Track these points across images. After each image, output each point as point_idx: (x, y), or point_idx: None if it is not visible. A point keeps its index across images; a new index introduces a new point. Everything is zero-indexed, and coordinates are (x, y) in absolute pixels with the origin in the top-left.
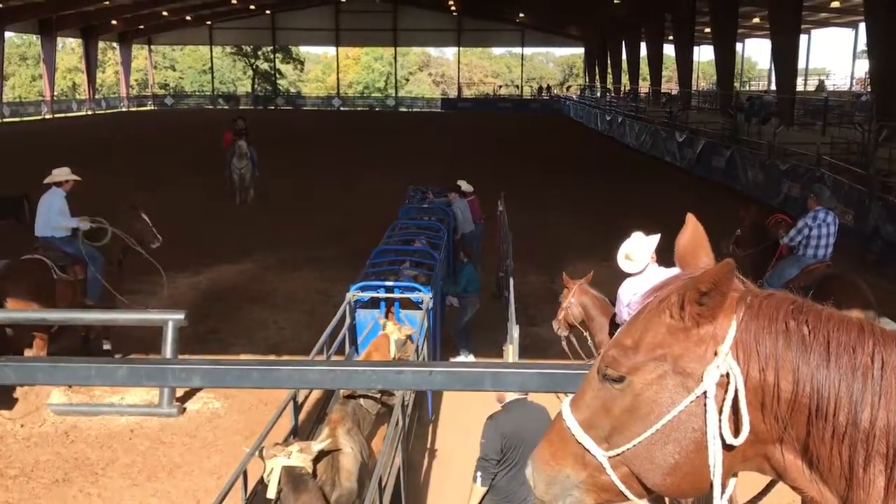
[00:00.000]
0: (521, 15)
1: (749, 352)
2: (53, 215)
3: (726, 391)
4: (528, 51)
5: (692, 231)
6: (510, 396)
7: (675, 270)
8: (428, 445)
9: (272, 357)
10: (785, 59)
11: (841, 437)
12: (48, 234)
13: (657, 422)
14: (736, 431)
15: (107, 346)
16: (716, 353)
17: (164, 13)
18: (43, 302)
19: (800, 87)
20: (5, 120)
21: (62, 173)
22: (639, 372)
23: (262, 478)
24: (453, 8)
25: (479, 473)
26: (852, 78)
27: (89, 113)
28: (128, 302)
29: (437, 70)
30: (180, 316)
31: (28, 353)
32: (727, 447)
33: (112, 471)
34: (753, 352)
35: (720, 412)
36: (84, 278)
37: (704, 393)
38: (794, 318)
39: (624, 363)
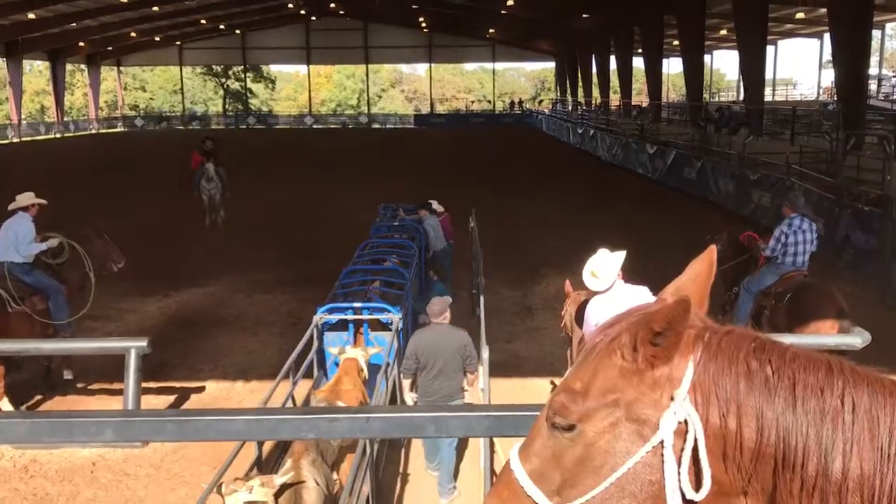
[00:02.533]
0: (492, 30)
1: (708, 396)
2: (22, 242)
3: (685, 440)
4: (500, 66)
5: (706, 267)
6: (434, 318)
7: (642, 289)
8: (400, 469)
9: (240, 383)
10: (752, 69)
11: (811, 490)
12: (7, 258)
13: (611, 474)
14: (697, 484)
15: (68, 376)
16: (672, 398)
17: (133, 34)
18: None
19: (768, 98)
20: None
21: (26, 198)
22: (590, 420)
23: None
24: (423, 25)
25: (401, 371)
26: (819, 87)
27: (58, 136)
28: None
29: (409, 86)
30: (143, 343)
31: None
32: (687, 502)
33: None
34: (713, 396)
35: (679, 463)
36: (44, 308)
37: (661, 442)
38: (756, 357)
39: (573, 410)
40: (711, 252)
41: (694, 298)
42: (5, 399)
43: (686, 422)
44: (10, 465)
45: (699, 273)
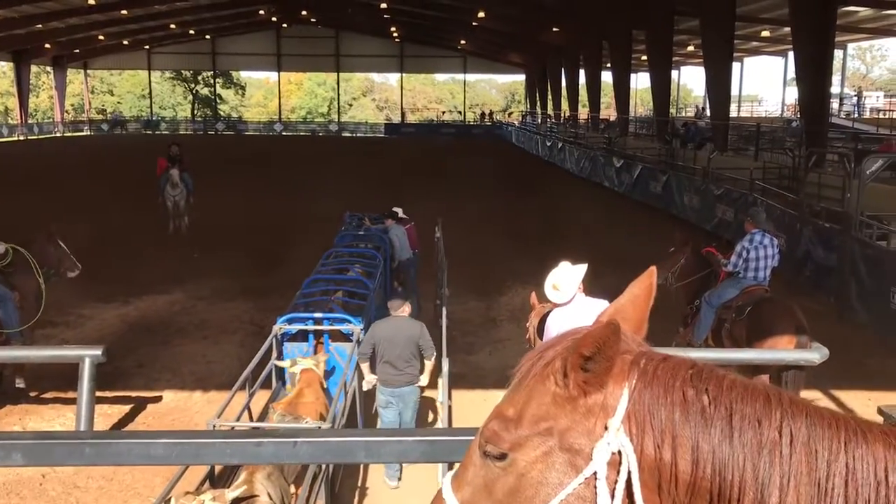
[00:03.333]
0: (463, 42)
1: (643, 425)
2: None
3: (619, 472)
4: (471, 77)
5: (645, 289)
6: (394, 311)
7: (602, 303)
8: (359, 483)
9: (198, 393)
10: (718, 86)
11: None
12: None
13: None
14: None
15: (20, 384)
16: (606, 428)
17: (101, 37)
18: None
19: (733, 114)
20: None
21: None
22: (522, 448)
23: None
24: (395, 34)
25: (358, 355)
26: (783, 104)
27: (21, 138)
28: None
29: (380, 95)
30: (97, 352)
31: None
32: None
33: None
34: (647, 425)
35: (612, 496)
36: None
37: (595, 474)
38: (692, 385)
39: (505, 438)
40: (651, 274)
41: (632, 322)
42: None
43: (620, 452)
44: None
45: (637, 295)
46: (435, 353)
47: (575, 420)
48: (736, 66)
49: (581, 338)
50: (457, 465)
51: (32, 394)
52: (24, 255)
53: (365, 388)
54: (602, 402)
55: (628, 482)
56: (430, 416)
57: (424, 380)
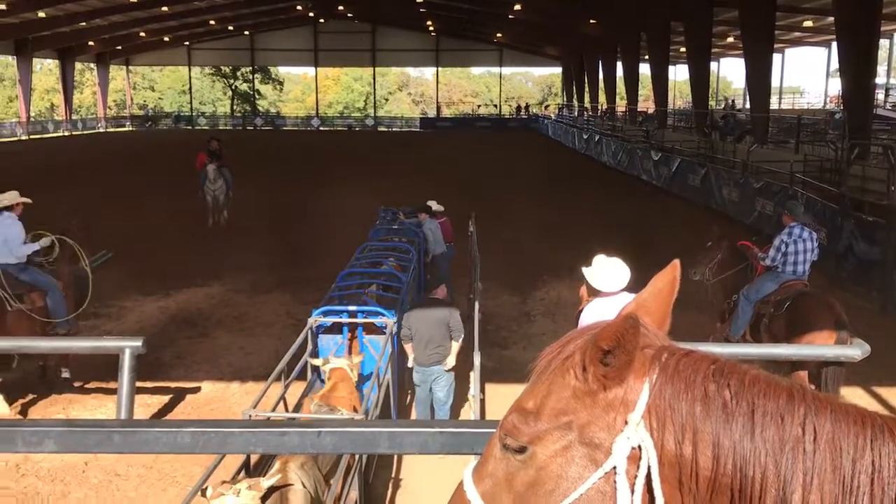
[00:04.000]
0: (499, 35)
1: (663, 420)
2: (14, 244)
3: (639, 466)
4: (507, 70)
5: (668, 282)
6: (431, 295)
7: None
8: (392, 475)
9: (236, 384)
10: (759, 77)
11: None
12: (3, 260)
13: (563, 500)
14: None
15: (65, 375)
16: (626, 422)
17: (142, 34)
18: None
19: (774, 106)
20: None
21: (10, 197)
22: (541, 442)
23: None
24: (431, 28)
25: (403, 337)
26: (826, 96)
27: (66, 134)
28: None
29: (416, 89)
30: (138, 343)
31: None
32: None
33: None
34: (668, 420)
35: (632, 490)
36: (42, 306)
37: (614, 468)
38: (714, 381)
39: (525, 431)
40: (674, 267)
41: (655, 316)
42: (0, 396)
43: (640, 447)
44: (2, 463)
45: (661, 289)
46: (462, 336)
47: (595, 414)
48: (777, 56)
49: (600, 331)
50: (475, 458)
51: (76, 384)
52: (70, 246)
53: (409, 364)
54: (622, 397)
55: (648, 477)
56: (462, 410)
57: (451, 361)
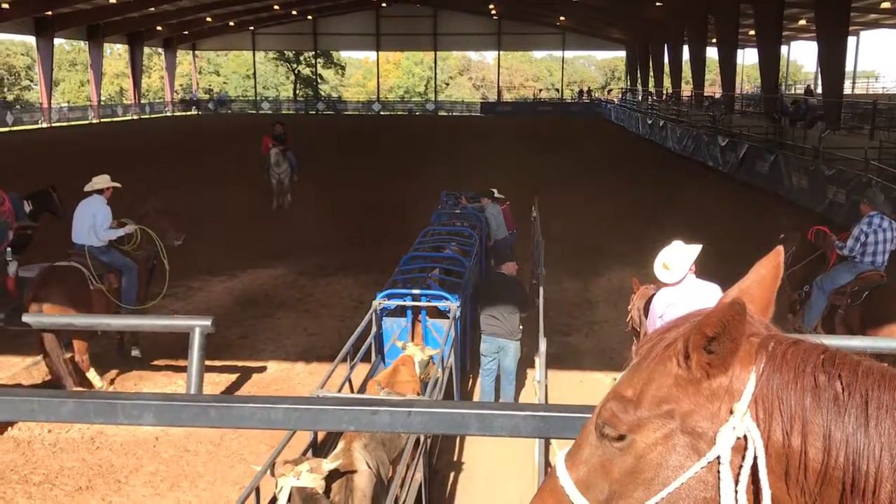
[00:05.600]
0: (562, 18)
1: (770, 411)
2: (101, 227)
3: (744, 457)
4: (569, 54)
5: (772, 269)
6: (500, 269)
7: (713, 287)
8: (454, 458)
9: (300, 364)
10: (832, 61)
11: None
12: (86, 242)
13: (662, 489)
14: None
15: (135, 353)
16: (731, 412)
17: (208, 19)
18: (79, 310)
19: (847, 90)
20: (54, 124)
21: (102, 181)
22: (641, 430)
23: (274, 496)
24: (493, 11)
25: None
26: None
27: (135, 118)
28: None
29: (477, 74)
30: (207, 322)
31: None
32: None
33: (135, 479)
34: (776, 411)
35: (736, 481)
36: (118, 286)
37: (718, 458)
38: (824, 371)
39: (624, 420)
40: (778, 253)
41: (758, 303)
42: (92, 370)
43: (745, 437)
44: (79, 435)
45: (764, 276)
46: (528, 309)
47: (698, 403)
48: (851, 40)
49: (704, 318)
50: (561, 445)
51: (148, 361)
52: (149, 235)
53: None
54: (727, 386)
55: (753, 467)
56: (527, 394)
57: (520, 326)
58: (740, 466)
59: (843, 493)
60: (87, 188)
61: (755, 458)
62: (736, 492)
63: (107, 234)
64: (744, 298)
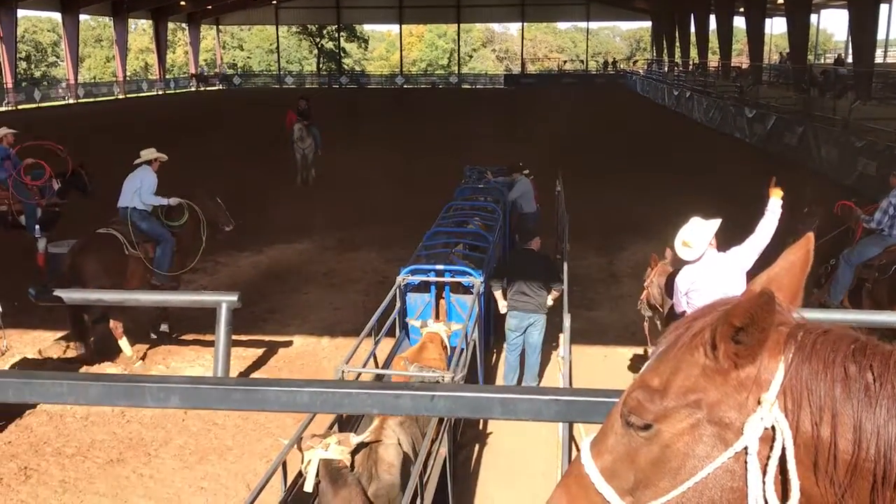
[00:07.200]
0: None
1: (799, 401)
2: (146, 192)
3: (772, 447)
4: (594, 25)
5: (802, 256)
6: (525, 245)
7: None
8: (478, 432)
9: (326, 339)
10: (863, 29)
11: None
12: (129, 204)
13: (689, 479)
14: (783, 496)
15: (164, 328)
16: (759, 402)
17: None
18: (115, 278)
19: (878, 59)
20: (80, 100)
21: (149, 153)
22: (668, 420)
23: (300, 469)
24: None
25: (493, 284)
26: None
27: (159, 93)
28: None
29: (500, 46)
30: (234, 298)
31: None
32: None
33: (165, 452)
34: (805, 401)
35: (764, 472)
36: (153, 257)
37: (745, 448)
38: (855, 361)
39: (650, 409)
40: (809, 240)
41: (787, 291)
42: (125, 339)
43: (773, 428)
44: (110, 409)
45: (794, 263)
46: (562, 286)
47: (726, 393)
48: (884, 7)
49: (732, 307)
50: (587, 433)
51: (175, 335)
52: (197, 213)
53: (502, 311)
54: (755, 376)
55: (782, 458)
56: (551, 369)
57: (549, 301)
58: (768, 457)
59: (874, 484)
60: (137, 161)
61: (783, 448)
62: (764, 482)
63: (150, 199)
64: (772, 286)
